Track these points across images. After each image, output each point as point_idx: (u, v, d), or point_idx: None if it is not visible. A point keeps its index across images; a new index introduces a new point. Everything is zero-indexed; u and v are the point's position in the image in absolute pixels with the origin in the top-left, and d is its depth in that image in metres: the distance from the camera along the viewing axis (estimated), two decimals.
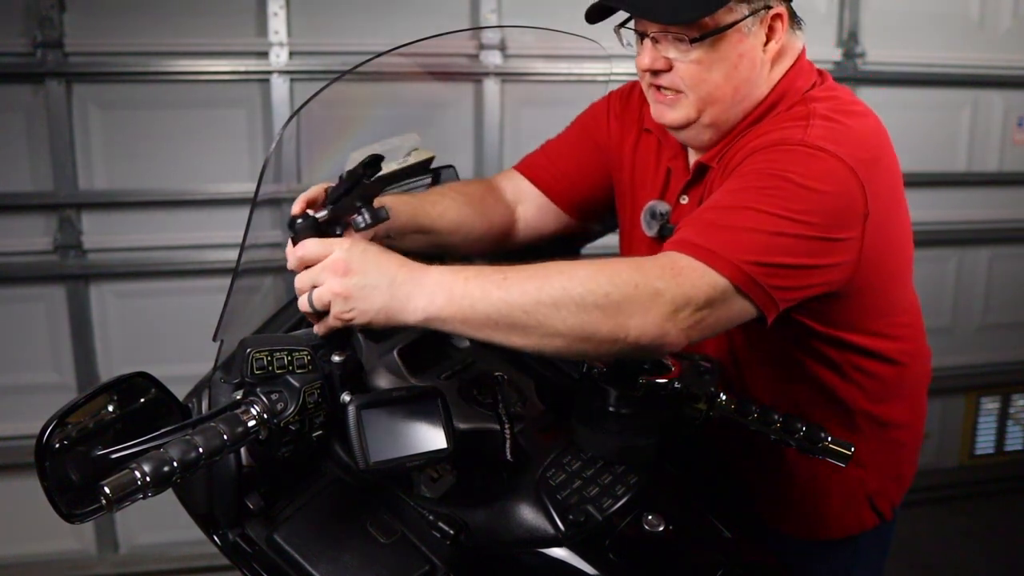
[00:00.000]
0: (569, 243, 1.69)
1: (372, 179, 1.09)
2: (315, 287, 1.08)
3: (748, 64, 1.28)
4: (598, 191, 1.57)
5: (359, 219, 1.12)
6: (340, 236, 1.14)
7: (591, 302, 1.04)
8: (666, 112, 1.33)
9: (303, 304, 1.10)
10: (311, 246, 1.09)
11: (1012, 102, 3.46)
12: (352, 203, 1.11)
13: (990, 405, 3.77)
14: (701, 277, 1.10)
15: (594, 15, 1.32)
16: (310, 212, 1.13)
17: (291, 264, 1.11)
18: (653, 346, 1.09)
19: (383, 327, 1.09)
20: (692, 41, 1.24)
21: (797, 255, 1.15)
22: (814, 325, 1.30)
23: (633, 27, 1.31)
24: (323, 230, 1.13)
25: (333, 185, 1.13)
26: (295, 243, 1.12)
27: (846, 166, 1.17)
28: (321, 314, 1.09)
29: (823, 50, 3.18)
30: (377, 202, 1.15)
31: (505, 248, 1.54)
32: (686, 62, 1.26)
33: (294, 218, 1.13)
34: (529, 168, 1.57)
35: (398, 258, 1.09)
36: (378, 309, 1.06)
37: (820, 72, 1.37)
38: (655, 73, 1.30)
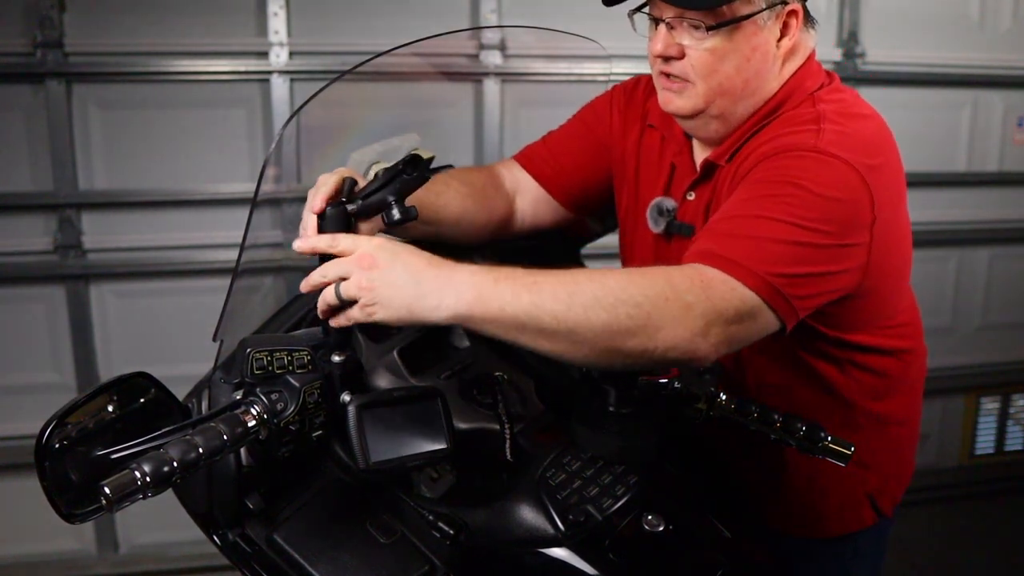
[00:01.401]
0: (568, 244, 1.69)
1: (411, 177, 1.10)
2: (342, 279, 1.06)
3: (760, 58, 1.28)
4: (597, 186, 1.56)
5: (394, 213, 1.11)
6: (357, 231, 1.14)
7: (622, 312, 1.03)
8: (674, 100, 1.32)
9: (328, 295, 1.07)
10: (343, 238, 1.08)
11: (1012, 102, 3.46)
12: (384, 198, 1.11)
13: (990, 405, 3.77)
14: (732, 290, 1.09)
15: None
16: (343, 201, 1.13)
17: (320, 248, 1.09)
18: (682, 360, 1.08)
19: (407, 324, 1.07)
20: (708, 29, 1.23)
21: (815, 263, 1.14)
22: (819, 327, 1.30)
23: (648, 12, 1.31)
24: (350, 222, 1.13)
25: (346, 177, 1.13)
26: (322, 230, 1.11)
27: (857, 173, 1.17)
28: (344, 305, 1.08)
29: (823, 50, 3.13)
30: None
31: (502, 238, 1.54)
32: (700, 50, 1.26)
33: (325, 205, 1.13)
34: (529, 160, 1.57)
35: (427, 257, 1.07)
36: (401, 305, 1.04)
37: (829, 73, 1.37)
38: (666, 60, 1.29)
